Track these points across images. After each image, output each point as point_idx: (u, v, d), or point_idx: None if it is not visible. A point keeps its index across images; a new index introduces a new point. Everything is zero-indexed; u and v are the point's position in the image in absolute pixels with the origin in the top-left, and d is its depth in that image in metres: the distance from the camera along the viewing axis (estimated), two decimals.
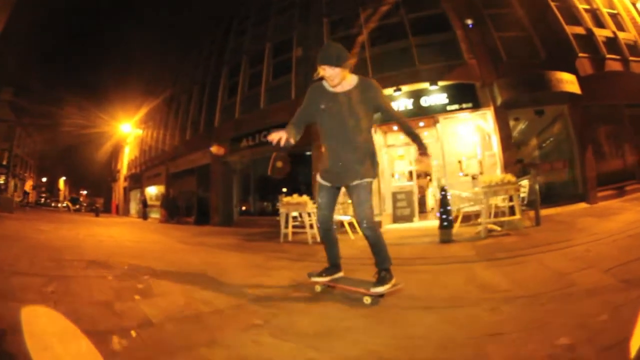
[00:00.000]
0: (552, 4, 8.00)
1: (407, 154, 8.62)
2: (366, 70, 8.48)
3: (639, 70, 8.05)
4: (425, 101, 7.92)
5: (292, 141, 2.25)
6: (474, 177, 7.72)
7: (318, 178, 2.44)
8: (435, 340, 1.57)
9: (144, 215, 16.64)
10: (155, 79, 19.22)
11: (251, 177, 11.40)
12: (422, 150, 2.31)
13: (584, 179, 7.20)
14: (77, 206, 23.90)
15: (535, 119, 7.80)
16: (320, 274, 2.46)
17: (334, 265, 2.48)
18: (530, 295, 2.14)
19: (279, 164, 2.44)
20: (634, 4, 8.76)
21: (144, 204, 16.98)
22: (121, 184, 23.86)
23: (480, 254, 4.07)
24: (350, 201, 2.56)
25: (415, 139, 2.33)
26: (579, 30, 7.84)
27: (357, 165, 2.21)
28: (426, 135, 8.56)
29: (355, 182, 2.23)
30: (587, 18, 7.99)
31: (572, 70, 7.45)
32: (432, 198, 8.48)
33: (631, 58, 8.12)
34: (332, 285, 2.46)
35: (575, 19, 7.95)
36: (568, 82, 7.32)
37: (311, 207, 6.14)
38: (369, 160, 2.25)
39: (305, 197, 6.49)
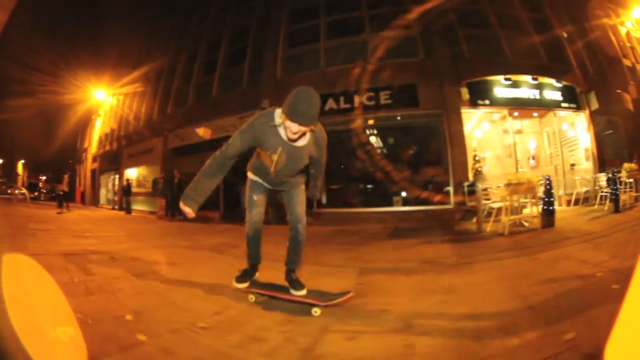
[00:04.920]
0: (613, 37, 10.12)
1: (520, 143, 9.18)
2: (501, 49, 8.58)
3: None
4: (546, 95, 8.66)
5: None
6: (572, 167, 9.02)
7: (251, 175, 2.46)
8: None
9: (123, 206, 11.58)
10: (150, 30, 13.68)
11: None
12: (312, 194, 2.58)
13: None
14: (36, 193, 16.26)
15: (603, 126, 9.74)
16: (244, 280, 2.49)
17: (254, 267, 2.54)
18: None
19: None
20: None
21: (126, 191, 11.54)
22: (88, 165, 18.10)
23: None
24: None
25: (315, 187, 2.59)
26: (628, 62, 10.21)
27: (294, 179, 2.39)
28: (526, 125, 9.40)
29: (295, 188, 2.42)
30: (631, 53, 10.49)
31: (626, 92, 9.69)
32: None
33: None
34: (267, 293, 2.49)
35: (624, 52, 10.29)
36: (628, 101, 9.51)
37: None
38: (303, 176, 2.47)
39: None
